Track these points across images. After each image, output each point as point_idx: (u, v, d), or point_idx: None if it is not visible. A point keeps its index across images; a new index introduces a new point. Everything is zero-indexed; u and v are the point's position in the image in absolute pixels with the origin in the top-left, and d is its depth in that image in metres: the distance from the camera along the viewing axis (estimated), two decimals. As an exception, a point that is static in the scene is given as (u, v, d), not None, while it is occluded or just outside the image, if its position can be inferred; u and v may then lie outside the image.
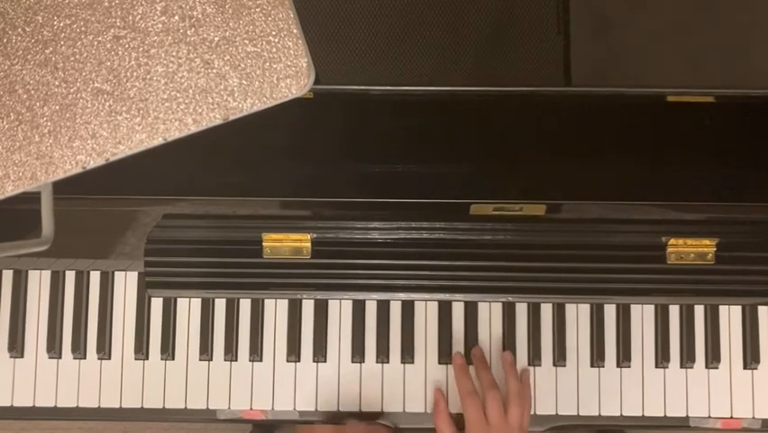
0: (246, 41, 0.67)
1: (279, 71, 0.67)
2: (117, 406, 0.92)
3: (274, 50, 0.67)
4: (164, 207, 0.89)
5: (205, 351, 0.92)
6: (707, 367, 0.92)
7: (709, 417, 0.91)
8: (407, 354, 0.92)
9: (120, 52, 0.67)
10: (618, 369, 0.92)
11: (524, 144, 0.86)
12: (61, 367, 0.93)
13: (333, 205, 0.88)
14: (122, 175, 0.76)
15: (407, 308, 0.93)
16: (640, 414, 0.92)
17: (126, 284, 0.93)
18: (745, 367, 0.92)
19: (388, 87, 0.71)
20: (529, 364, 0.92)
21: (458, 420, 0.89)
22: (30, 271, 0.94)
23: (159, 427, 1.53)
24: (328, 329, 0.93)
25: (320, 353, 0.92)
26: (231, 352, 0.92)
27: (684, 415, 0.92)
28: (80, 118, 0.67)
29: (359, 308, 0.93)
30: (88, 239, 0.92)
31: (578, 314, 0.93)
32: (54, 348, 0.93)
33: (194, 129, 0.67)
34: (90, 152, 0.67)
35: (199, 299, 0.93)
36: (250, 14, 0.68)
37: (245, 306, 0.93)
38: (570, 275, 0.90)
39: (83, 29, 0.68)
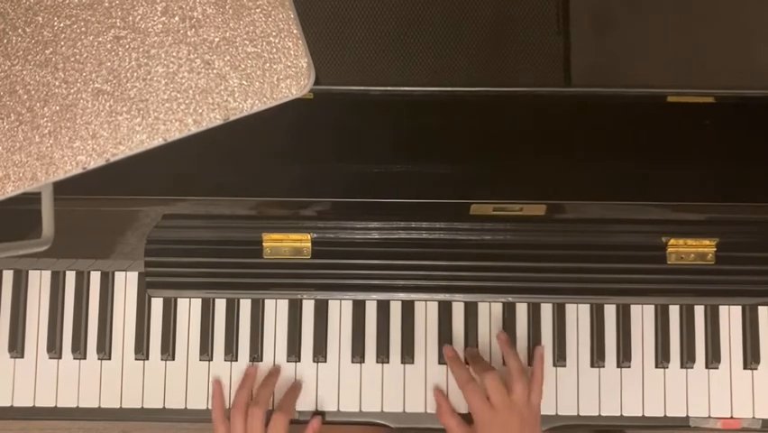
0: (246, 42, 0.67)
1: (280, 72, 0.67)
2: (117, 406, 0.92)
3: (274, 50, 0.67)
4: (164, 207, 0.89)
5: (206, 351, 0.92)
6: (707, 367, 0.92)
7: (709, 417, 0.91)
8: (407, 354, 0.92)
9: (120, 53, 0.67)
10: (618, 369, 0.92)
11: (524, 144, 0.86)
12: (61, 367, 0.93)
13: (333, 205, 0.88)
14: (122, 175, 0.76)
15: (407, 308, 0.93)
16: (640, 414, 0.92)
17: (126, 284, 0.93)
18: (745, 367, 0.92)
19: (388, 88, 0.71)
20: (529, 365, 0.92)
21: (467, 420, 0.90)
22: (30, 271, 0.94)
23: (159, 427, 1.53)
24: (328, 329, 0.93)
25: (320, 353, 0.92)
26: (231, 352, 0.92)
27: (684, 415, 0.92)
28: (81, 119, 0.67)
29: (359, 308, 0.93)
30: (88, 239, 0.92)
31: (578, 314, 0.93)
32: (54, 348, 0.93)
33: (194, 129, 0.67)
34: (90, 152, 0.67)
35: (199, 299, 0.93)
36: (250, 15, 0.68)
37: (245, 306, 0.93)
38: (570, 275, 0.90)
39: (83, 29, 0.68)
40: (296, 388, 0.92)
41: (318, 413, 0.92)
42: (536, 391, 0.86)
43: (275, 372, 0.92)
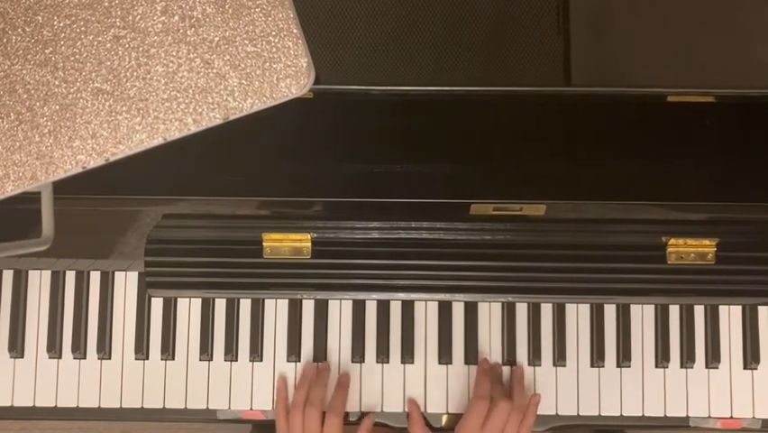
0: (246, 41, 0.67)
1: (279, 71, 0.67)
2: (117, 406, 0.92)
3: (274, 50, 0.67)
4: (164, 207, 0.89)
5: (205, 351, 0.92)
6: (707, 367, 0.92)
7: (709, 417, 0.91)
8: (407, 354, 0.92)
9: (120, 52, 0.67)
10: (618, 369, 0.92)
11: (524, 144, 0.86)
12: (61, 367, 0.93)
13: (333, 205, 0.88)
14: (122, 175, 0.76)
15: (407, 308, 0.93)
16: (640, 414, 0.92)
17: (126, 284, 0.93)
18: (745, 367, 0.92)
19: (388, 87, 0.71)
20: (529, 364, 0.92)
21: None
22: (30, 271, 0.94)
23: (159, 427, 1.53)
24: (328, 329, 0.93)
25: (320, 353, 0.92)
26: (231, 352, 0.92)
27: (684, 415, 0.92)
28: (80, 118, 0.67)
29: (359, 308, 0.93)
30: (88, 239, 0.92)
31: (578, 314, 0.93)
32: (54, 348, 0.93)
33: (194, 129, 0.67)
34: (90, 151, 0.67)
35: (199, 299, 0.93)
36: (250, 14, 0.68)
37: (245, 306, 0.93)
38: (570, 275, 0.90)
39: (83, 29, 0.68)
40: (343, 385, 0.91)
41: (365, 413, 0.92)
42: (525, 431, 0.86)
43: (326, 368, 0.91)
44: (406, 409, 0.92)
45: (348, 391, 0.91)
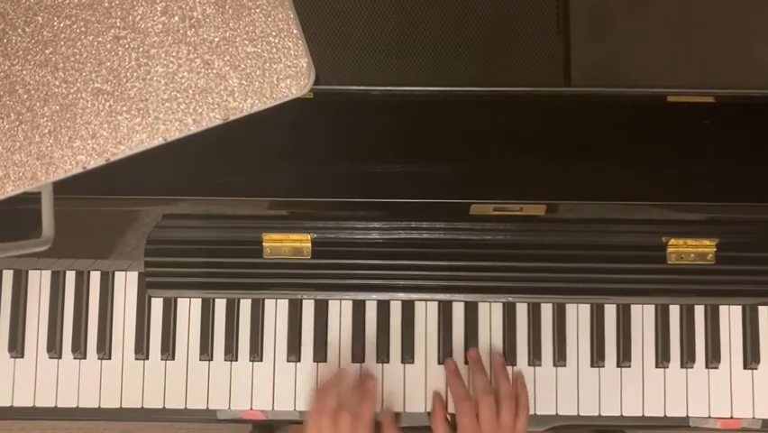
0: (246, 42, 0.67)
1: (279, 71, 0.67)
2: (117, 406, 0.92)
3: (274, 50, 0.68)
4: (164, 207, 0.89)
5: (206, 351, 0.92)
6: (707, 367, 0.92)
7: (709, 417, 0.91)
8: (407, 354, 0.92)
9: (120, 53, 0.67)
10: (618, 369, 0.92)
11: (524, 144, 0.86)
12: (61, 367, 0.93)
13: (333, 205, 0.88)
14: (122, 175, 0.76)
15: (407, 308, 0.93)
16: (640, 414, 0.92)
17: (126, 284, 0.93)
18: (745, 367, 0.92)
19: (388, 87, 0.71)
20: (529, 364, 0.92)
21: (453, 420, 0.90)
22: (30, 271, 0.94)
23: (159, 427, 1.53)
24: (328, 329, 0.93)
25: (320, 353, 0.92)
26: (231, 352, 0.92)
27: (684, 415, 0.92)
28: (80, 118, 0.67)
29: (359, 308, 0.93)
30: (88, 239, 0.92)
31: (578, 314, 0.93)
32: (54, 348, 0.93)
33: (194, 129, 0.67)
34: (90, 151, 0.67)
35: (199, 299, 0.93)
36: (250, 15, 0.68)
37: (245, 306, 0.93)
38: (570, 275, 0.90)
39: (83, 29, 0.68)
40: (369, 393, 0.88)
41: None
42: (522, 418, 0.87)
43: (348, 374, 0.89)
44: (429, 406, 0.91)
45: (375, 401, 0.89)
